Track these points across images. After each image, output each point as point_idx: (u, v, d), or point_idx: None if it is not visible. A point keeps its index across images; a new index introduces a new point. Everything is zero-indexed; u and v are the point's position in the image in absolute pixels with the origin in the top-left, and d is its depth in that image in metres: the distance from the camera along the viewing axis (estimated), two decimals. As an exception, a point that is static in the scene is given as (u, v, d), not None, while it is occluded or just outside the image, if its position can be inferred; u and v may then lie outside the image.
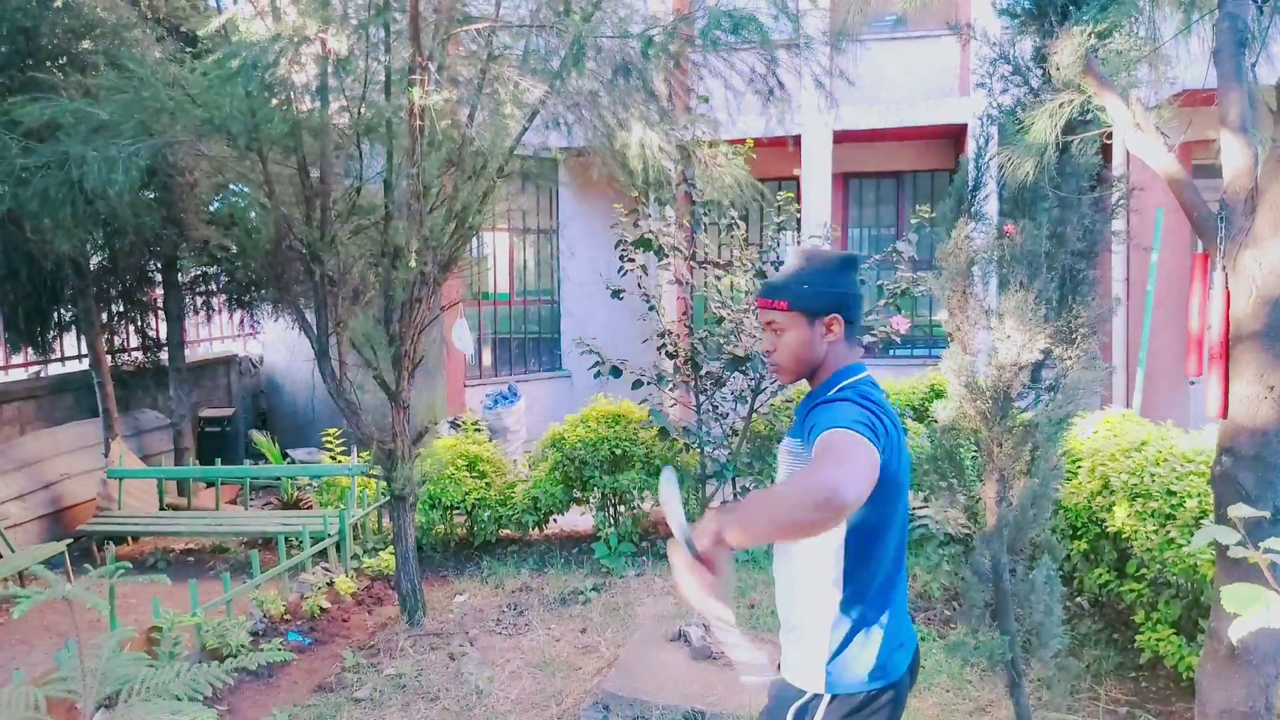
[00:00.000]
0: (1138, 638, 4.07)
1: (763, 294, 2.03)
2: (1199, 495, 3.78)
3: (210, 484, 7.61)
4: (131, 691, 2.41)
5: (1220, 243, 2.36)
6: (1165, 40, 3.02)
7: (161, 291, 8.41)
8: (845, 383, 1.96)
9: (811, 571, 1.93)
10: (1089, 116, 3.03)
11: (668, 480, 1.69)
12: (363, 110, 4.68)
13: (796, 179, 10.04)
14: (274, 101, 4.30)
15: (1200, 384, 2.58)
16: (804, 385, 2.10)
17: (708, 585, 1.59)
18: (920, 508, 5.42)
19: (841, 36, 4.31)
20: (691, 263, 6.49)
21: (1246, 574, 2.09)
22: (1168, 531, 3.80)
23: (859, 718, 1.93)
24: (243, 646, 4.63)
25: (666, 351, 6.53)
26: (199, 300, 8.92)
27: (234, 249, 6.53)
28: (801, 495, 1.57)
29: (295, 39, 3.88)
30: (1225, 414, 2.38)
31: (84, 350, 7.96)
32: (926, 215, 6.30)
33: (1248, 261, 2.28)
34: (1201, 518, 3.65)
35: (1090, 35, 2.80)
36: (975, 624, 3.32)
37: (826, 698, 1.93)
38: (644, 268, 6.54)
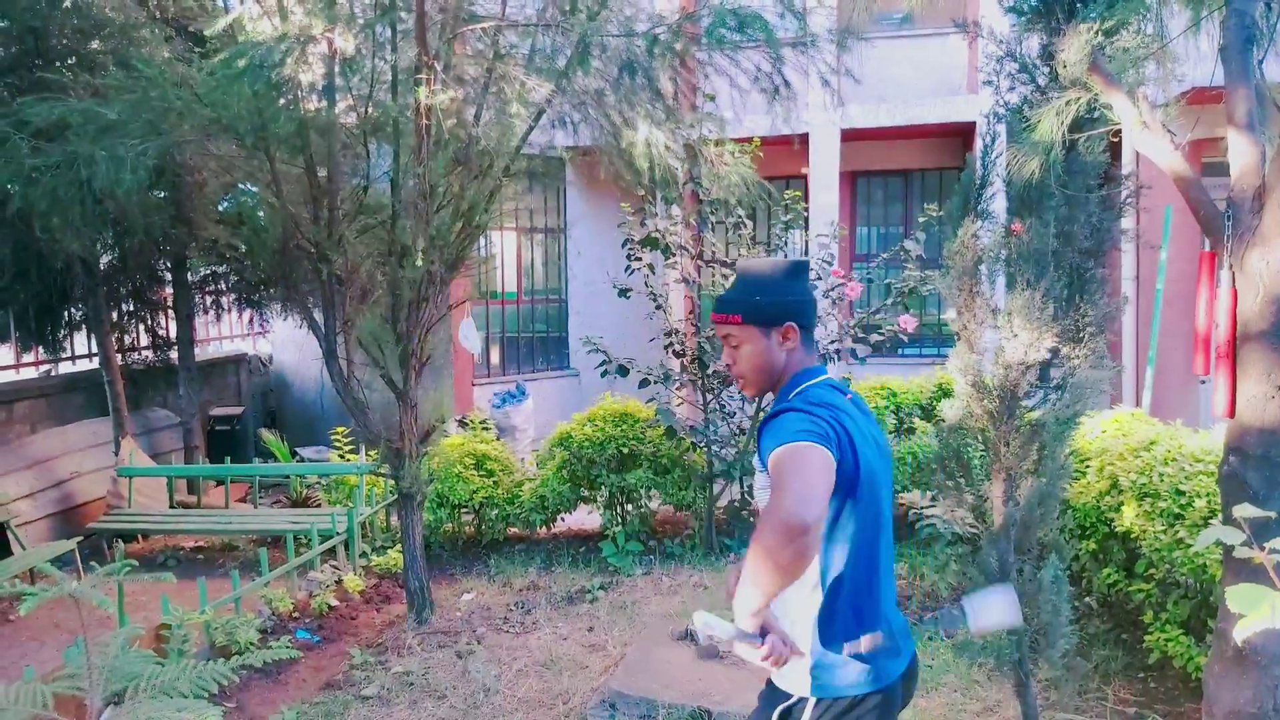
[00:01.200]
0: (1146, 638, 4.05)
1: (716, 309, 2.02)
2: (1208, 495, 3.75)
3: (220, 482, 7.64)
4: (138, 689, 2.43)
5: (1227, 241, 2.34)
6: (1173, 38, 3.00)
7: (171, 290, 8.44)
8: (796, 391, 1.95)
9: (798, 590, 1.89)
10: (1096, 114, 3.01)
11: (700, 619, 1.81)
12: (369, 109, 4.69)
13: (804, 177, 10.03)
14: (281, 101, 4.32)
15: (1210, 383, 2.56)
16: None
17: (782, 644, 1.75)
18: (928, 506, 5.41)
19: (848, 34, 4.30)
20: (699, 261, 6.48)
21: (1253, 575, 2.08)
22: (1176, 531, 3.78)
23: None
24: (251, 644, 4.65)
25: (674, 350, 6.53)
26: (208, 299, 8.94)
27: (242, 248, 6.55)
28: (769, 538, 1.60)
29: (302, 38, 3.89)
30: (1233, 413, 2.37)
31: (94, 349, 8.00)
32: (934, 213, 6.29)
33: (1254, 260, 2.27)
34: (1210, 517, 3.63)
35: (1097, 33, 2.78)
36: (982, 624, 3.31)
37: (811, 701, 1.92)
38: (651, 267, 6.54)
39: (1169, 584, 3.91)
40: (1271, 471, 2.27)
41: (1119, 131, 2.92)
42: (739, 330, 1.98)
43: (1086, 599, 4.80)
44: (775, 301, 1.97)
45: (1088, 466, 4.74)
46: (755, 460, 2.00)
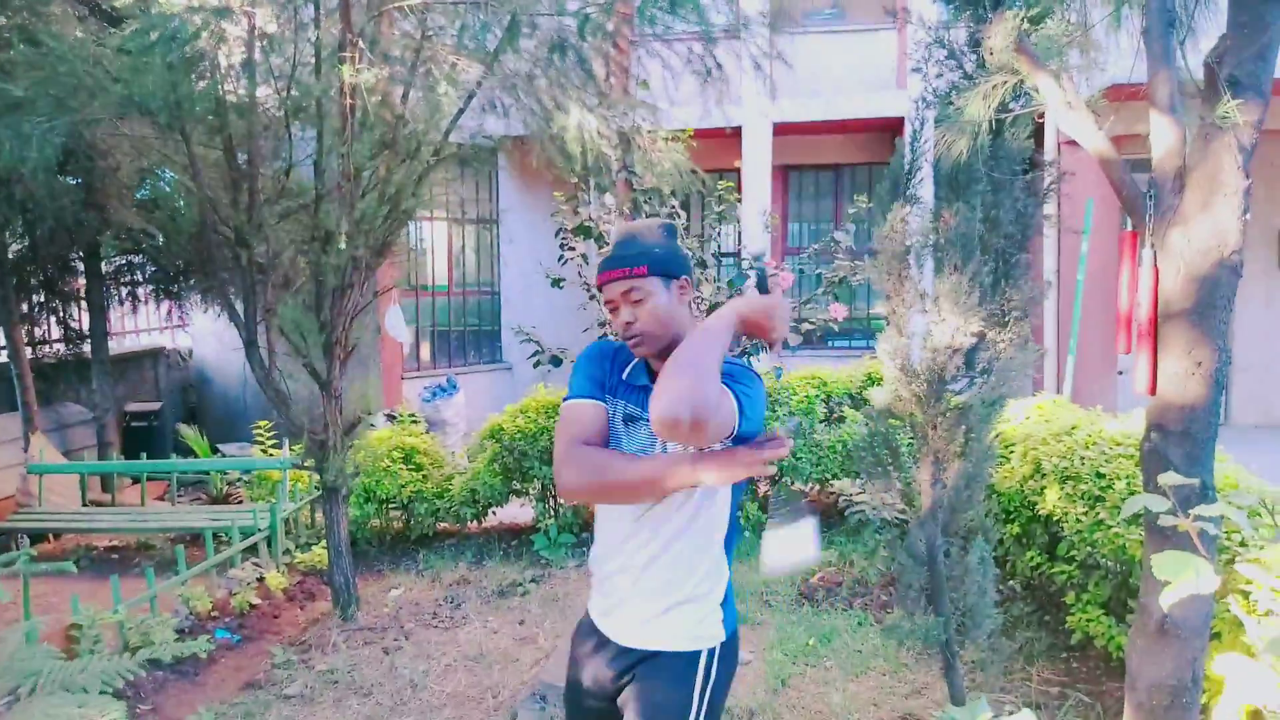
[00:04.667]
0: (1068, 619, 4.13)
1: (614, 265, 1.92)
2: (1127, 477, 3.85)
3: (135, 479, 7.36)
4: (38, 685, 2.29)
5: (1149, 220, 2.38)
6: (1095, 24, 3.05)
7: (84, 281, 8.10)
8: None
9: (713, 536, 1.97)
10: (1022, 101, 3.06)
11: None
12: (292, 89, 4.54)
13: (737, 170, 10.06)
14: (197, 79, 4.15)
15: (1128, 371, 2.61)
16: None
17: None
18: (857, 493, 5.45)
19: (779, 19, 4.29)
20: (632, 251, 6.44)
21: (1175, 546, 2.12)
22: (1097, 513, 3.86)
23: (733, 655, 2.05)
24: (167, 644, 4.47)
25: (607, 341, 6.48)
26: (124, 290, 8.61)
27: (158, 235, 6.32)
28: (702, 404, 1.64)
29: (218, 10, 3.73)
30: (1154, 391, 2.41)
31: (2, 342, 7.64)
32: (864, 205, 6.36)
33: (1176, 239, 2.31)
34: (1130, 498, 3.71)
35: (1023, 20, 2.81)
36: (911, 607, 3.34)
37: (719, 645, 1.99)
38: (584, 256, 6.48)
39: (1090, 565, 3.99)
40: (1192, 447, 2.32)
41: (1043, 119, 2.96)
42: (642, 283, 1.90)
43: (1011, 582, 4.89)
44: (674, 256, 1.94)
45: (1012, 451, 4.83)
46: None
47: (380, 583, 5.78)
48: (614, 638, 2.01)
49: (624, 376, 2.00)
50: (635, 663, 1.98)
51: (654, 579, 1.95)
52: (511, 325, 7.54)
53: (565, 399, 2.00)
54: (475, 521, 6.56)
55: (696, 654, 1.96)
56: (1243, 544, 3.14)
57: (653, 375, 1.97)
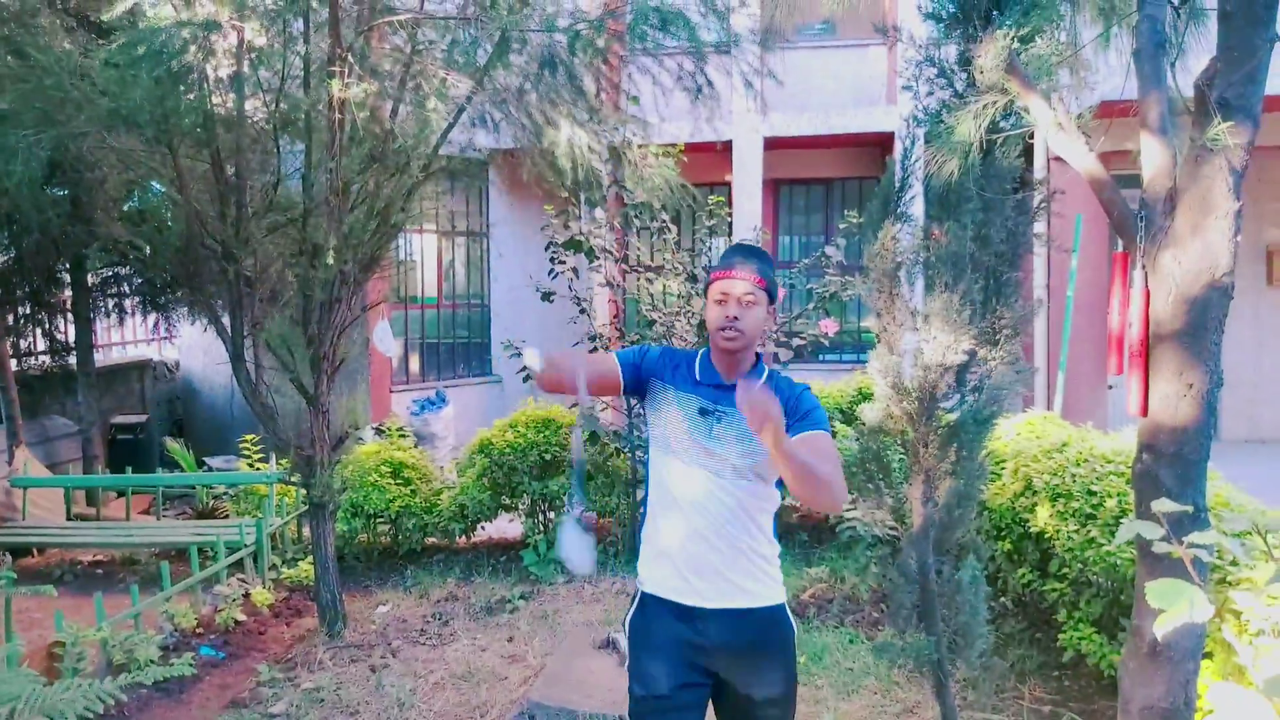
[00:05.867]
0: (1060, 636, 4.12)
1: (744, 269, 2.24)
2: (1119, 495, 3.84)
3: (121, 493, 7.30)
4: (14, 711, 2.25)
5: (1140, 242, 2.38)
6: (1085, 44, 3.06)
7: (70, 293, 8.04)
8: (771, 369, 2.36)
9: (769, 511, 2.33)
10: (1012, 120, 3.06)
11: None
12: (280, 103, 4.52)
13: (727, 185, 10.08)
14: (185, 92, 4.12)
15: (1119, 387, 2.61)
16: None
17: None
18: (849, 509, 5.43)
19: (770, 35, 4.30)
20: (623, 265, 6.43)
21: (1168, 570, 2.11)
22: (1089, 531, 3.85)
23: None
24: (151, 661, 4.42)
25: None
26: (110, 302, 8.54)
27: (145, 248, 6.27)
28: (833, 484, 2.00)
29: (206, 24, 3.71)
30: (1145, 412, 2.40)
31: (-14, 354, 7.57)
32: (854, 220, 6.36)
33: (1167, 261, 2.30)
34: (1121, 517, 3.70)
35: (1013, 39, 2.82)
36: (902, 625, 3.31)
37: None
38: (575, 270, 6.46)
39: (1082, 583, 3.98)
40: (1184, 469, 2.31)
41: (1033, 137, 2.96)
42: (758, 293, 2.21)
43: (1002, 599, 4.88)
44: (775, 283, 2.28)
45: (1003, 468, 4.82)
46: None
47: (367, 599, 5.73)
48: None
49: (698, 377, 2.31)
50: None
51: (738, 550, 2.29)
52: (501, 339, 7.51)
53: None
54: (464, 537, 6.52)
55: (781, 605, 2.33)
56: (1234, 563, 3.13)
57: (718, 375, 2.29)
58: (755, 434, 1.89)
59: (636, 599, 2.39)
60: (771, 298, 2.26)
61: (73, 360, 8.12)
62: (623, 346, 6.28)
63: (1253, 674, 2.45)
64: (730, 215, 7.95)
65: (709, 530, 2.24)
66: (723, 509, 2.24)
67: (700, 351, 2.40)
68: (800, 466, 1.94)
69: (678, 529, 2.28)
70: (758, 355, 2.34)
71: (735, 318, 2.20)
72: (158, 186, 5.76)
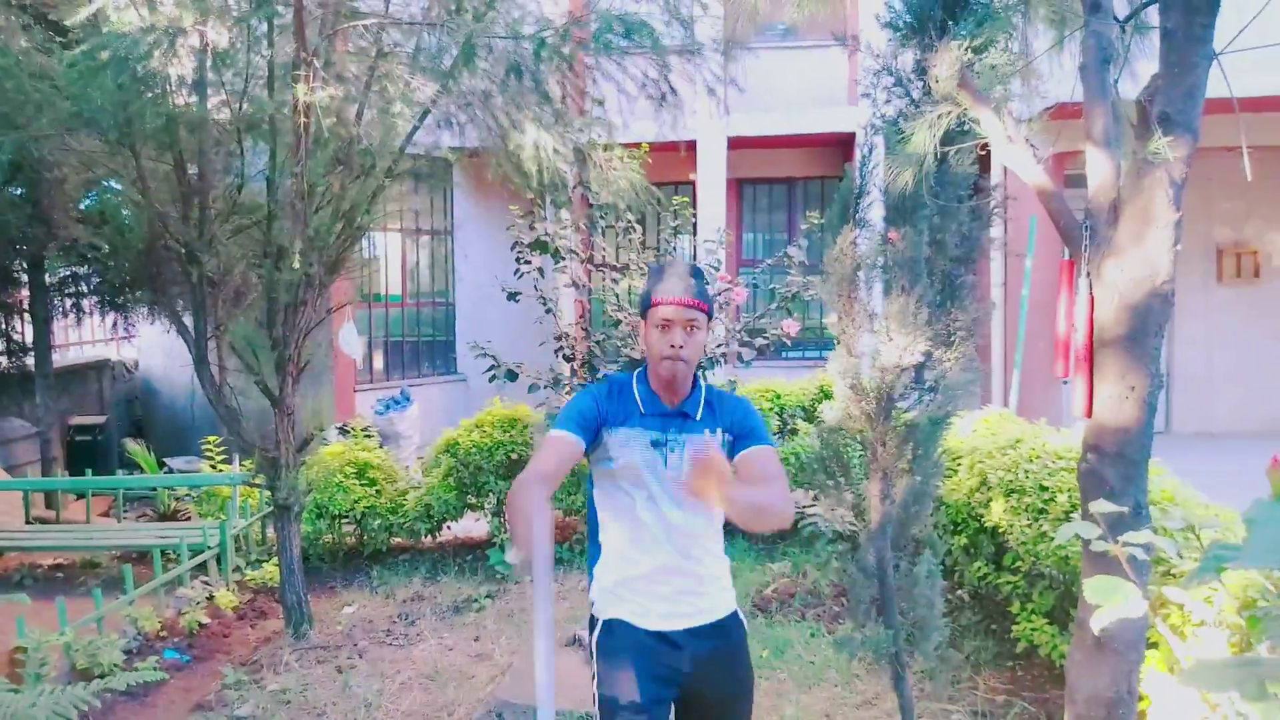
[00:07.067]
0: (1014, 628, 4.24)
1: (687, 295, 2.22)
2: (1069, 490, 3.96)
3: (80, 496, 7.21)
4: (-16, 720, 2.26)
5: (1085, 251, 2.47)
6: (1037, 55, 3.15)
7: (27, 293, 7.92)
8: (708, 383, 2.39)
9: (720, 529, 2.39)
10: (966, 128, 3.14)
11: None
12: (244, 105, 4.51)
13: (692, 183, 10.14)
14: (147, 95, 4.10)
15: (1071, 384, 2.71)
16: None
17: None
18: (809, 506, 5.53)
19: (733, 44, 4.36)
20: (588, 266, 6.46)
21: (1109, 567, 2.20)
22: (1041, 525, 3.97)
23: None
24: (115, 666, 4.40)
25: (564, 355, 6.48)
26: (68, 302, 8.41)
27: (105, 248, 6.21)
28: (780, 508, 2.05)
29: (170, 31, 3.70)
30: (1090, 413, 2.50)
31: (-61, 355, 7.45)
32: (816, 220, 6.45)
33: (1111, 269, 2.40)
34: (1071, 512, 3.82)
35: (967, 49, 2.90)
36: (862, 619, 3.41)
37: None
38: (540, 270, 6.48)
39: (1034, 576, 4.10)
40: (1127, 468, 2.40)
41: (987, 145, 3.05)
42: (701, 318, 2.22)
43: (958, 592, 5.00)
44: (713, 300, 2.29)
45: (959, 465, 4.93)
46: (714, 429, 2.31)
47: (333, 600, 5.73)
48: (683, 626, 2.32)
49: (642, 410, 2.29)
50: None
51: (696, 563, 2.34)
52: (466, 338, 7.52)
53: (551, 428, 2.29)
54: (429, 536, 6.53)
55: (734, 613, 2.41)
56: (1180, 555, 3.25)
57: (662, 403, 2.29)
58: (701, 499, 1.92)
59: (600, 625, 2.38)
60: (711, 315, 2.26)
61: (30, 361, 8.00)
62: (589, 347, 6.33)
63: (1185, 665, 2.56)
64: (695, 214, 8.02)
65: (676, 558, 2.27)
66: (685, 537, 2.28)
67: (634, 375, 2.36)
68: (748, 509, 1.99)
69: (641, 562, 2.30)
70: (695, 376, 2.34)
71: (681, 346, 2.19)
72: (118, 187, 5.73)
